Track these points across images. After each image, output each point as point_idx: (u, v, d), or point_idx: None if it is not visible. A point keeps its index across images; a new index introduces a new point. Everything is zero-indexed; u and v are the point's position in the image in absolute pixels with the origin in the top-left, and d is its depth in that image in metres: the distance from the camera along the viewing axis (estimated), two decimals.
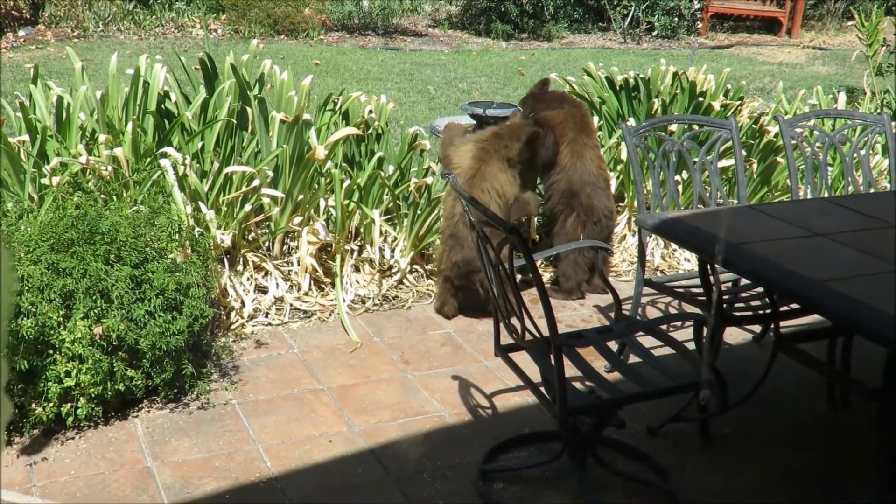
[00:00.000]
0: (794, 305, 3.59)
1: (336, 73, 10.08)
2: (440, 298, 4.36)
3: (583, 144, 4.58)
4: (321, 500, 2.96)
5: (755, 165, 5.26)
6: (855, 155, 4.33)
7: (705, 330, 3.35)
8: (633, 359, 3.63)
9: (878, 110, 6.26)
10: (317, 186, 4.55)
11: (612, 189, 4.88)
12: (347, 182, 4.48)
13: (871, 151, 4.79)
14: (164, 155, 4.10)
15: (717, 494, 3.12)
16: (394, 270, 4.58)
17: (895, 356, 2.76)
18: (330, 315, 4.26)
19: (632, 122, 5.14)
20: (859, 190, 4.27)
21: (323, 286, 4.41)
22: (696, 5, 14.16)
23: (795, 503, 3.11)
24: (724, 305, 3.66)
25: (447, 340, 4.14)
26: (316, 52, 11.47)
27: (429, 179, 4.65)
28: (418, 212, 4.61)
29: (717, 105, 5.41)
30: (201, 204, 4.09)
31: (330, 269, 4.44)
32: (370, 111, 4.99)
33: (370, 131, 4.87)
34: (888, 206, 3.69)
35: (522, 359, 3.11)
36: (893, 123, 4.40)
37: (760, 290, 3.78)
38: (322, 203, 4.51)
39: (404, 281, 4.60)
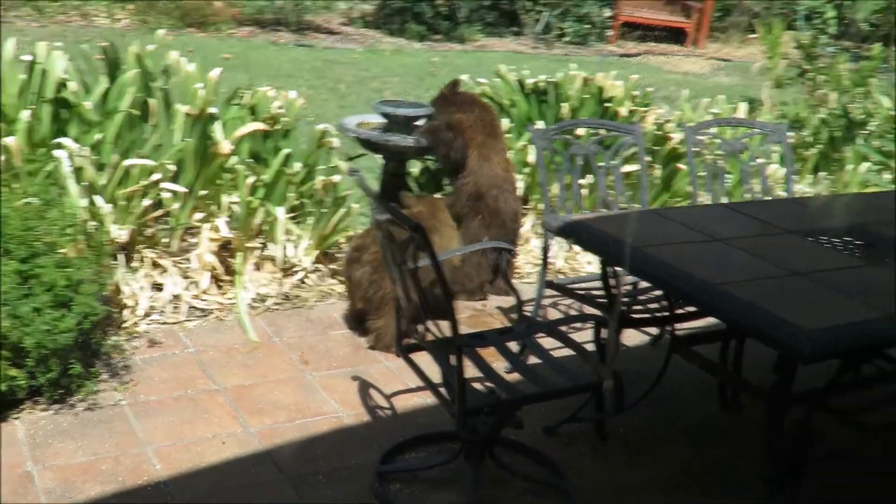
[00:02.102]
0: (691, 308, 3.66)
1: (246, 68, 9.90)
2: (351, 298, 4.27)
3: (490, 148, 4.59)
4: (211, 503, 2.88)
5: (658, 171, 5.36)
6: (753, 163, 4.43)
7: (604, 331, 3.38)
8: (533, 359, 3.64)
9: (776, 121, 6.45)
10: (220, 182, 4.45)
11: (519, 191, 4.90)
12: (252, 178, 4.39)
13: (768, 160, 4.93)
14: (60, 146, 3.95)
15: (611, 493, 3.15)
16: (296, 269, 4.51)
17: (784, 358, 2.82)
18: (229, 314, 4.16)
19: (541, 125, 5.15)
20: (756, 197, 4.38)
21: (222, 284, 4.31)
22: (607, 13, 14.39)
23: (687, 502, 3.16)
24: (624, 308, 3.70)
25: (348, 341, 4.09)
26: (226, 46, 11.25)
27: (336, 178, 4.59)
28: (324, 210, 4.55)
29: (624, 111, 5.49)
30: (98, 197, 3.95)
31: (230, 267, 4.34)
32: (279, 107, 4.90)
33: (278, 127, 4.78)
34: (783, 213, 3.79)
35: (424, 359, 3.09)
36: (790, 134, 4.53)
37: (658, 293, 3.84)
38: (225, 199, 4.41)
39: (307, 280, 4.53)
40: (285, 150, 4.65)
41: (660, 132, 5.51)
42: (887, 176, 5.89)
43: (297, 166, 4.63)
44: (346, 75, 10.29)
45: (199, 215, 4.36)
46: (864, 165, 5.88)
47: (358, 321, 4.15)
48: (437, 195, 4.71)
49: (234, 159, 4.45)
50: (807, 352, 2.54)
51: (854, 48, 9.41)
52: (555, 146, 4.12)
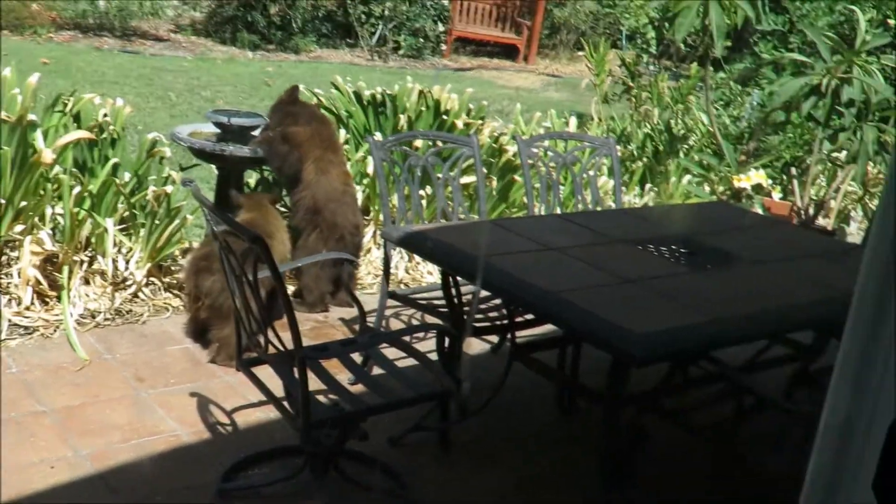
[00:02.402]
0: (529, 316, 3.76)
1: (67, 74, 9.46)
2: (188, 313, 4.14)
3: (328, 161, 4.54)
4: None
5: (494, 182, 5.47)
6: (584, 175, 4.60)
7: (447, 341, 3.41)
8: (376, 370, 3.64)
9: (605, 135, 6.72)
10: (42, 192, 4.22)
11: (359, 203, 4.89)
12: (78, 188, 4.19)
13: (598, 172, 5.13)
14: None
15: (454, 501, 3.18)
16: (128, 283, 4.33)
17: (618, 362, 2.94)
18: (55, 331, 3.95)
19: (378, 136, 5.17)
20: (588, 208, 4.54)
21: (48, 300, 4.08)
22: (441, 28, 14.61)
23: None
24: (465, 317, 3.75)
25: (186, 356, 3.96)
26: (44, 50, 10.72)
27: (168, 188, 4.44)
28: (156, 222, 4.39)
29: (460, 123, 5.58)
30: None
31: (56, 282, 4.13)
32: (105, 115, 4.70)
33: (104, 136, 4.59)
34: (614, 223, 3.95)
35: (265, 373, 3.03)
36: (618, 147, 4.73)
37: (498, 301, 3.92)
38: (49, 210, 4.19)
39: (140, 294, 4.35)
40: (113, 160, 4.48)
41: (495, 145, 5.64)
42: (707, 188, 6.24)
43: (126, 176, 4.46)
44: (175, 83, 10.00)
45: (19, 227, 4.12)
46: (686, 178, 6.21)
47: (199, 334, 4.03)
48: (265, 194, 4.59)
49: (57, 169, 4.23)
50: (637, 355, 2.65)
51: (674, 67, 9.93)
52: (393, 157, 4.14)
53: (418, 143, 5.09)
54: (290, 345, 2.74)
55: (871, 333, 0.87)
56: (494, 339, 4.40)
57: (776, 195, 6.20)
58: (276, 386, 2.99)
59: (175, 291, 4.43)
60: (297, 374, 2.75)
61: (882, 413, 0.85)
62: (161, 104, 8.90)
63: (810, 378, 3.57)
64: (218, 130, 4.78)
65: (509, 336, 3.68)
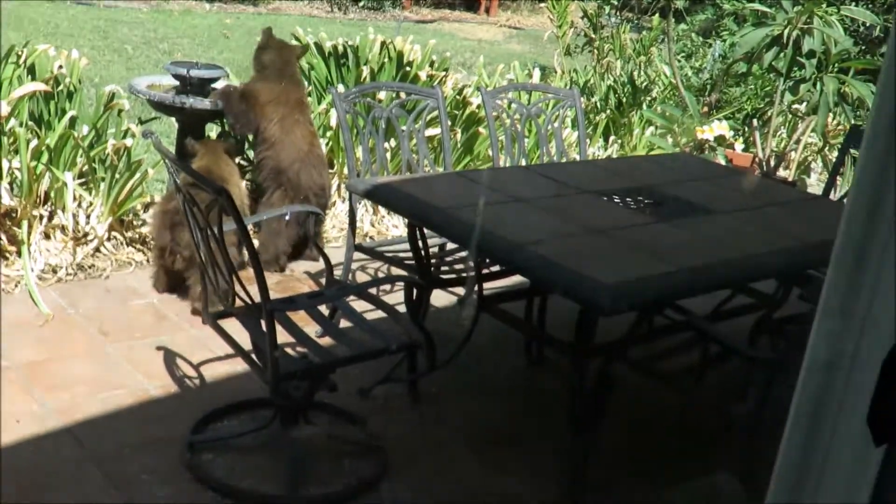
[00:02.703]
0: (496, 268, 3.78)
1: (19, 26, 9.23)
2: (155, 267, 4.09)
3: (294, 121, 4.45)
4: (7, 485, 2.70)
5: (459, 135, 5.45)
6: (549, 127, 4.59)
7: (415, 293, 3.42)
8: (344, 323, 3.63)
9: (568, 87, 6.71)
10: None
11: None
12: (35, 142, 4.10)
13: (562, 124, 5.12)
14: None
15: (424, 450, 3.21)
16: (90, 238, 4.26)
17: (586, 312, 2.96)
18: (16, 286, 3.89)
19: (341, 88, 5.12)
20: (553, 160, 4.55)
21: (7, 255, 4.02)
22: None
23: (497, 455, 3.26)
24: (432, 269, 3.75)
25: (150, 310, 3.92)
26: None
27: (128, 141, 4.37)
28: (117, 175, 4.32)
29: (423, 75, 5.54)
30: None
31: (15, 237, 4.05)
32: (60, 67, 4.59)
33: (60, 88, 4.49)
34: (579, 174, 3.96)
35: (233, 326, 3.01)
36: (581, 99, 4.73)
37: (464, 254, 3.93)
38: (6, 164, 4.10)
39: (102, 249, 4.29)
40: (70, 113, 4.39)
41: (459, 97, 5.61)
42: (670, 140, 6.27)
43: (84, 130, 4.37)
44: (131, 36, 9.80)
45: None
46: (649, 130, 6.23)
47: (171, 288, 4.01)
48: (221, 141, 4.49)
49: (13, 122, 4.14)
50: (607, 306, 2.67)
51: (636, 19, 9.93)
52: (356, 109, 4.10)
53: (381, 94, 5.04)
54: (256, 298, 2.73)
55: (856, 264, 0.88)
56: (460, 291, 4.42)
57: (738, 147, 6.25)
58: (244, 340, 2.98)
59: (138, 246, 4.38)
60: (264, 327, 2.74)
61: (870, 346, 0.86)
62: (117, 57, 8.73)
63: (773, 326, 3.63)
64: (177, 83, 4.69)
65: (476, 288, 3.69)
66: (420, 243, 3.47)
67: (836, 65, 5.79)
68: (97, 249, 4.27)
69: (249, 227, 3.14)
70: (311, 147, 4.51)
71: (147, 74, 7.31)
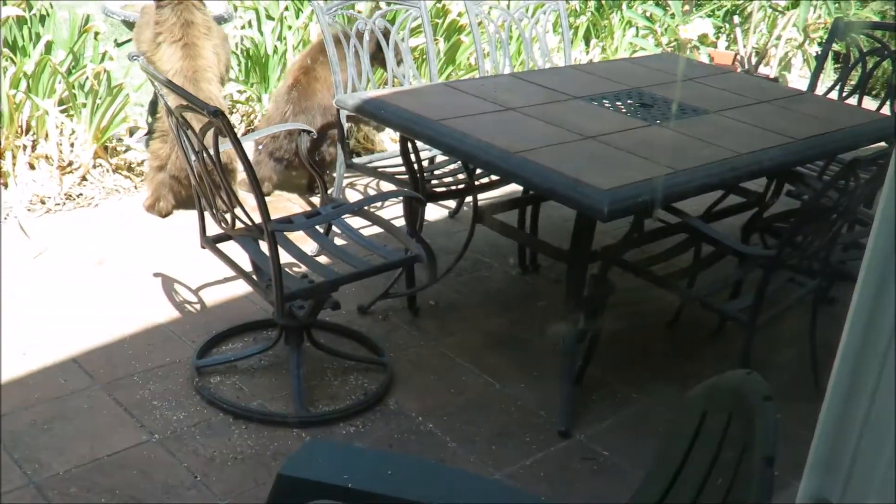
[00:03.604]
0: (485, 180, 3.77)
1: None
2: (155, 195, 4.06)
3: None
4: (22, 418, 2.73)
5: (441, 45, 5.37)
6: (533, 32, 4.53)
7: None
8: (338, 241, 3.64)
9: None
10: None
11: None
12: (13, 70, 4.01)
13: (544, 29, 5.05)
14: None
15: (425, 363, 3.26)
16: (75, 166, 4.21)
17: (583, 218, 2.98)
18: (6, 218, 3.85)
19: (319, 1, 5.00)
20: (537, 65, 4.50)
21: None
22: None
23: (498, 362, 3.32)
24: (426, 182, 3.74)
25: (143, 236, 3.91)
26: None
27: (108, 65, 4.28)
28: (98, 101, 4.24)
29: None
30: None
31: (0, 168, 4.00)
32: None
33: (33, 13, 4.37)
34: (567, 80, 3.92)
35: (227, 249, 3.02)
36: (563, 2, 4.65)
37: (455, 166, 3.92)
38: None
39: (88, 177, 4.25)
40: (45, 37, 4.29)
41: (439, 5, 5.50)
42: (652, 41, 6.21)
43: (60, 54, 4.28)
44: None
45: None
46: (631, 31, 6.16)
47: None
48: None
49: None
50: (606, 210, 2.69)
51: None
52: (338, 21, 4.02)
53: (361, 6, 4.93)
54: (256, 219, 2.73)
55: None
56: (451, 204, 4.42)
57: (721, 45, 6.20)
58: (241, 263, 2.98)
59: (124, 173, 4.33)
60: (266, 249, 2.74)
61: None
62: None
63: (764, 224, 3.67)
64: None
65: (470, 199, 3.69)
66: (413, 157, 3.45)
67: None
68: (83, 178, 4.22)
69: None
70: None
71: None
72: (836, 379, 1.05)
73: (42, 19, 4.46)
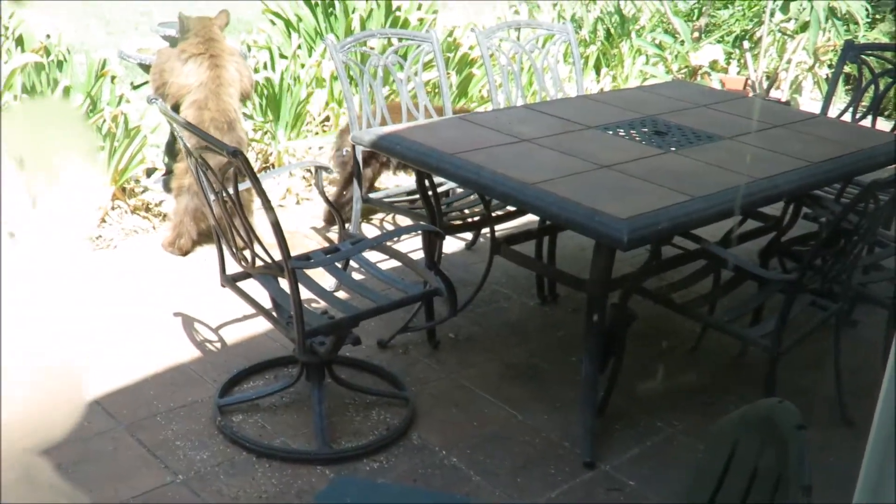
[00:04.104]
0: (501, 212, 3.78)
1: None
2: (177, 230, 4.09)
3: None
4: (44, 462, 2.73)
5: (454, 77, 5.41)
6: (545, 62, 4.55)
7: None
8: (356, 275, 3.65)
9: (556, 21, 6.64)
10: None
11: (317, 109, 4.81)
12: None
13: (556, 60, 5.08)
14: None
15: (445, 395, 3.25)
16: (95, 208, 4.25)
17: (603, 247, 2.97)
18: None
19: (333, 38, 5.06)
20: (549, 95, 4.52)
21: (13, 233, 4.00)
22: None
23: (519, 393, 3.30)
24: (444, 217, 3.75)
25: (163, 276, 3.93)
26: None
27: (124, 108, 4.33)
28: (115, 143, 4.29)
29: (413, 19, 5.47)
30: None
31: None
32: (48, 36, 4.53)
33: (51, 58, 4.43)
34: (579, 109, 3.94)
35: (247, 286, 3.03)
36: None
37: (472, 198, 3.93)
38: None
39: (106, 218, 4.28)
40: (63, 82, 4.34)
41: (450, 38, 5.55)
42: (662, 68, 6.24)
43: (78, 98, 4.33)
44: None
45: None
46: (640, 59, 6.19)
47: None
48: (213, 18, 4.20)
49: (6, 96, 4.10)
50: (625, 239, 2.69)
51: None
52: (351, 58, 4.06)
53: (373, 42, 4.99)
54: (265, 256, 2.74)
55: None
56: (467, 236, 4.43)
57: (732, 70, 6.22)
58: (259, 299, 2.99)
59: (142, 214, 4.37)
60: (286, 286, 2.75)
61: None
62: (95, 21, 8.58)
63: (783, 248, 3.66)
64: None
65: (487, 231, 3.69)
66: (430, 191, 3.46)
67: None
68: (102, 219, 4.25)
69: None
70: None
71: (128, 38, 7.22)
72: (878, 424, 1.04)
73: (60, 65, 4.52)
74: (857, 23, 6.52)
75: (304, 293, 2.93)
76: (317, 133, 5.26)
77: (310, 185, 4.88)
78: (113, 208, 4.31)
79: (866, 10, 6.42)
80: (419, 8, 5.79)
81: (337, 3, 5.60)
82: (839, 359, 3.19)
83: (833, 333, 3.20)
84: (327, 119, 5.20)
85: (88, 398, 3.04)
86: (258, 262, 2.81)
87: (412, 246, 4.24)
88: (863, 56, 4.56)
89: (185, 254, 4.08)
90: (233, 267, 2.99)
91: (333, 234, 4.41)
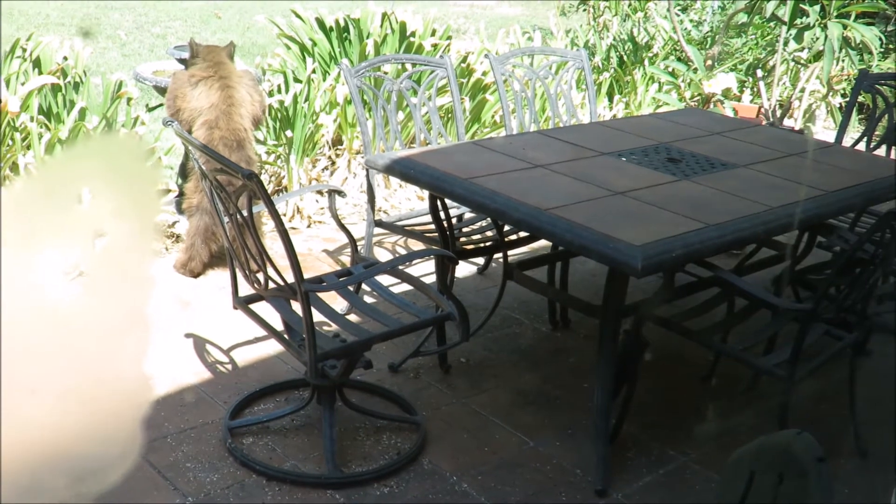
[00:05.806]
0: (514, 237, 3.78)
1: (10, 18, 9.15)
2: (189, 252, 4.10)
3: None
4: (54, 486, 2.72)
5: (467, 103, 5.42)
6: (558, 89, 4.57)
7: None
8: (368, 298, 3.65)
9: (570, 48, 6.66)
10: (11, 142, 4.12)
11: (328, 133, 4.83)
12: (48, 136, 4.09)
13: (570, 87, 5.10)
14: None
15: (457, 421, 3.23)
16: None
17: (616, 273, 2.97)
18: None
19: (347, 63, 5.09)
20: (562, 121, 4.53)
21: None
22: None
23: (531, 420, 3.28)
24: (457, 241, 3.75)
25: (174, 298, 3.93)
26: None
27: (140, 130, 4.35)
28: None
29: (427, 45, 5.50)
30: None
31: None
32: (65, 58, 4.57)
33: (67, 80, 4.46)
34: (593, 136, 3.94)
35: (258, 308, 3.02)
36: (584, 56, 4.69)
37: (483, 223, 3.93)
38: (21, 160, 4.09)
39: None
40: (79, 104, 4.37)
41: (464, 64, 5.57)
42: (675, 95, 6.24)
43: (94, 120, 4.36)
44: (123, 21, 9.73)
45: None
46: (654, 86, 6.20)
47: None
48: (222, 47, 4.24)
49: (23, 117, 4.12)
50: (639, 266, 2.68)
51: None
52: (366, 83, 4.08)
53: (387, 67, 5.01)
54: (277, 279, 2.74)
55: None
56: (479, 261, 4.42)
57: (746, 98, 6.23)
58: (271, 321, 2.99)
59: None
60: (298, 308, 2.75)
61: None
62: (111, 43, 8.67)
63: (797, 277, 3.64)
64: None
65: (500, 256, 3.69)
66: (442, 215, 3.46)
67: (837, 9, 5.76)
68: None
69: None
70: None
71: (143, 60, 7.27)
72: None
73: (76, 86, 4.55)
74: (871, 52, 6.53)
75: (317, 316, 2.92)
76: (329, 157, 5.27)
77: (322, 208, 4.89)
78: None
79: (880, 39, 6.43)
80: (433, 34, 5.82)
81: (351, 28, 5.63)
82: (854, 389, 3.16)
83: (848, 363, 3.17)
84: (340, 142, 5.21)
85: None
86: (271, 285, 2.81)
87: (424, 270, 4.24)
88: (877, 86, 4.56)
89: (196, 276, 4.08)
90: (245, 289, 2.99)
91: (345, 257, 4.42)
